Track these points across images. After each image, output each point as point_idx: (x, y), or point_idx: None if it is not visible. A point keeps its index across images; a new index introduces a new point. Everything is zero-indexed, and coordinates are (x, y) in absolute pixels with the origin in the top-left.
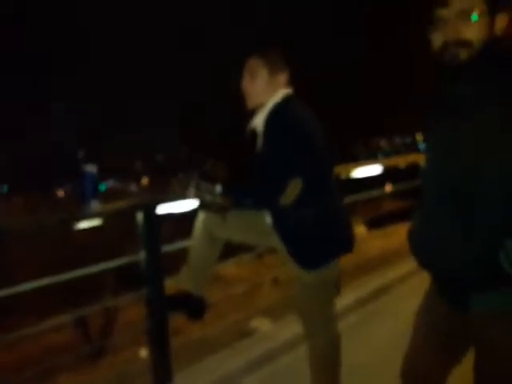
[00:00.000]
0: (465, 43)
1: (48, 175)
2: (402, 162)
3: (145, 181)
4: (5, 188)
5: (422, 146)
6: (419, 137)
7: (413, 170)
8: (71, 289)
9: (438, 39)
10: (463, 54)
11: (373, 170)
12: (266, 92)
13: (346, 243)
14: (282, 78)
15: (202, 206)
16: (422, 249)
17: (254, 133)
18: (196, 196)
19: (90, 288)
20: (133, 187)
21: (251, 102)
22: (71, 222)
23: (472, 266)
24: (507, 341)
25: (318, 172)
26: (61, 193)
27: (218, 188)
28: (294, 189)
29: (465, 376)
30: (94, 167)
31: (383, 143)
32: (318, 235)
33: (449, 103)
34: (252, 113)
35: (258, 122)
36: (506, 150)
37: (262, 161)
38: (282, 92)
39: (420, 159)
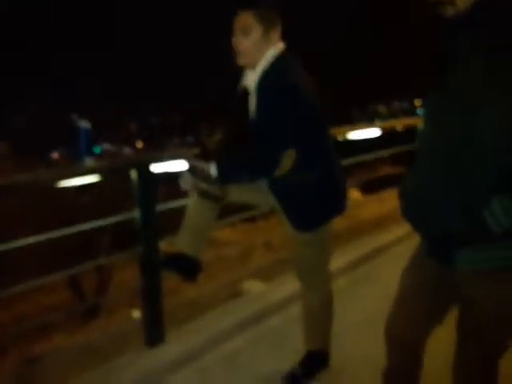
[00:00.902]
0: (447, 1)
1: (42, 138)
2: (399, 125)
3: (139, 144)
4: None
5: (420, 111)
6: (417, 102)
7: (410, 135)
8: (65, 250)
9: None
10: (449, 11)
11: (370, 132)
12: (260, 49)
13: (340, 205)
14: (276, 34)
15: (198, 193)
16: (413, 207)
17: (245, 91)
18: (191, 184)
19: (85, 249)
20: (127, 150)
21: (243, 60)
22: (67, 177)
23: (458, 222)
24: (491, 297)
25: (313, 138)
26: (55, 155)
27: (213, 169)
28: (288, 160)
29: (445, 339)
30: (88, 123)
31: (381, 108)
32: (313, 199)
33: (441, 61)
34: (242, 70)
35: (251, 81)
36: (491, 106)
37: (255, 126)
38: (274, 49)
39: (418, 122)
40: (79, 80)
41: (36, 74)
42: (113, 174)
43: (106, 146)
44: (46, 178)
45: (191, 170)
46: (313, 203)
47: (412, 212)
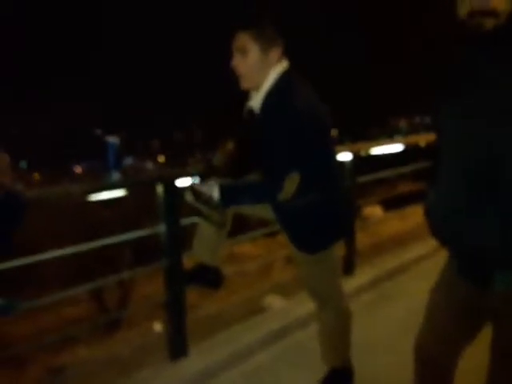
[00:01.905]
0: (491, 13)
1: (66, 153)
2: (421, 140)
3: (161, 159)
4: (23, 164)
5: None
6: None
7: (432, 151)
8: (89, 264)
9: (463, 8)
10: (489, 24)
11: (392, 148)
12: (260, 70)
13: (344, 230)
14: (276, 51)
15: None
16: (443, 225)
17: (252, 114)
18: (194, 207)
19: (107, 264)
20: (149, 165)
21: (246, 84)
22: (96, 191)
23: (496, 242)
24: None
25: (318, 161)
26: (78, 169)
27: (215, 193)
28: (291, 184)
29: (477, 358)
30: (117, 139)
31: (402, 123)
32: (316, 224)
33: (471, 74)
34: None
35: (255, 103)
36: None
37: (258, 148)
38: (277, 68)
39: None
40: (102, 95)
41: (58, 88)
42: (139, 189)
43: (129, 161)
44: (77, 191)
45: (194, 193)
46: (315, 227)
47: (443, 230)
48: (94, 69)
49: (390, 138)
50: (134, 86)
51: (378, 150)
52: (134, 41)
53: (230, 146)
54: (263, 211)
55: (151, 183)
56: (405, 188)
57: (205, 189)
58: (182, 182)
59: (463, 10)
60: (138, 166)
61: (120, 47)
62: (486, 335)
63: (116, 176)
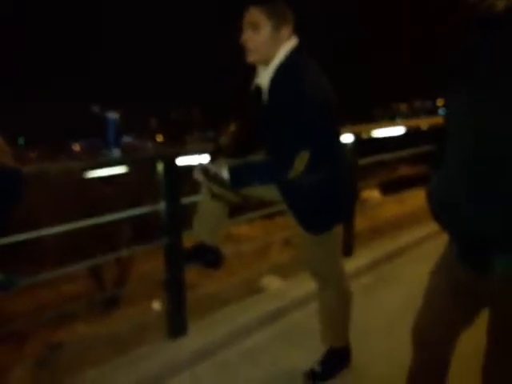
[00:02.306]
0: None
1: (64, 130)
2: (424, 123)
3: (159, 138)
4: (21, 140)
5: (442, 110)
6: (440, 102)
7: (433, 134)
8: (88, 241)
9: None
10: (501, 5)
11: (394, 130)
12: (270, 46)
13: (350, 209)
14: (287, 30)
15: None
16: (444, 210)
17: (258, 90)
18: (205, 186)
19: (107, 241)
20: (149, 144)
21: (253, 57)
22: (97, 167)
23: (497, 226)
24: None
25: (326, 139)
26: (77, 147)
27: (225, 173)
28: (301, 162)
29: (474, 341)
30: (117, 114)
31: (403, 107)
32: (323, 203)
33: (483, 57)
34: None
35: (263, 79)
36: None
37: (266, 126)
38: (287, 45)
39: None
40: (99, 73)
41: (56, 67)
42: (139, 166)
43: (129, 140)
44: (77, 167)
45: (204, 172)
46: (322, 206)
47: (444, 214)
48: (94, 46)
49: (391, 120)
50: (131, 64)
51: (379, 133)
52: (133, 19)
53: (233, 127)
54: (268, 192)
55: (151, 161)
56: (404, 171)
57: (214, 169)
58: (183, 160)
59: None
60: (138, 144)
61: (120, 25)
62: (483, 319)
63: (116, 152)
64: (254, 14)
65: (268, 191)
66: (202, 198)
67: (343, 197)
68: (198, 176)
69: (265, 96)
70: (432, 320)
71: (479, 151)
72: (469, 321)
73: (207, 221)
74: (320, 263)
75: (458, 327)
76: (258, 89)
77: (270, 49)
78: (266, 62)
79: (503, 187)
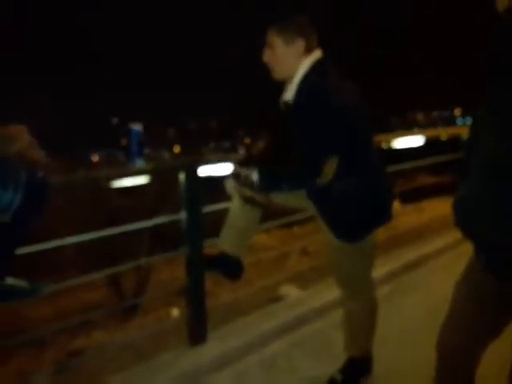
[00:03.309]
0: None
1: (82, 141)
2: (443, 133)
3: (176, 148)
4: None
5: (459, 120)
6: (458, 111)
7: (451, 144)
8: (109, 251)
9: (501, 4)
10: None
11: (414, 141)
12: (287, 61)
13: (384, 215)
14: (301, 43)
15: (243, 200)
16: (470, 219)
17: (288, 106)
18: (235, 191)
19: (127, 251)
20: (166, 155)
21: (275, 75)
22: (121, 177)
23: None
24: None
25: (354, 144)
26: (95, 158)
27: (255, 176)
28: (330, 168)
29: (501, 353)
30: (140, 125)
31: (420, 116)
32: (356, 209)
33: (508, 67)
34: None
35: (289, 95)
36: None
37: (295, 137)
38: (308, 60)
39: (463, 131)
40: (117, 86)
41: (71, 79)
42: (160, 177)
43: (146, 151)
44: (103, 176)
45: (235, 176)
46: (354, 213)
47: (471, 224)
48: (108, 56)
49: (408, 130)
50: (147, 76)
51: (399, 143)
52: (153, 26)
53: (262, 144)
54: (297, 200)
55: (174, 170)
56: (423, 181)
57: (245, 171)
58: (204, 170)
59: (500, 6)
60: (155, 155)
61: (133, 32)
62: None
63: (140, 163)
64: (269, 34)
65: (298, 199)
66: (232, 206)
67: (378, 201)
68: (229, 182)
69: (292, 108)
70: (458, 332)
71: (502, 152)
72: (496, 332)
73: (235, 231)
74: (350, 272)
75: (484, 339)
76: (287, 104)
77: (288, 64)
78: (290, 77)
79: None
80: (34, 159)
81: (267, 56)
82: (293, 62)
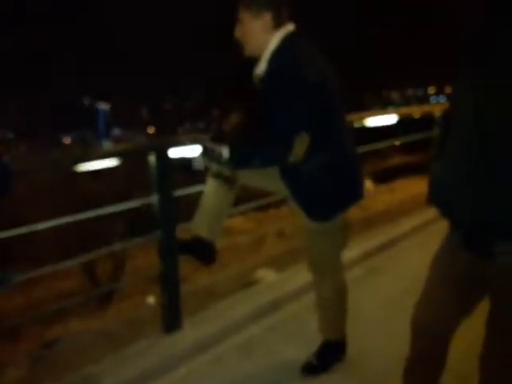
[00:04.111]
0: None
1: (54, 123)
2: (416, 111)
3: (151, 129)
4: (10, 134)
5: (433, 98)
6: (431, 90)
7: (423, 124)
8: (81, 236)
9: None
10: None
11: (387, 119)
12: (256, 35)
13: (356, 194)
14: (268, 17)
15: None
16: (445, 196)
17: (259, 80)
18: (201, 164)
19: (100, 237)
20: (141, 137)
21: (247, 50)
22: (88, 160)
23: (497, 211)
24: None
25: (327, 122)
26: (67, 140)
27: (225, 152)
28: (301, 145)
29: (473, 332)
30: (107, 105)
31: (395, 95)
32: (327, 188)
33: (492, 44)
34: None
35: (261, 69)
36: None
37: (266, 113)
38: (279, 33)
39: (436, 110)
40: (89, 65)
41: (45, 60)
42: (131, 158)
43: (118, 132)
44: (67, 160)
45: (204, 151)
46: (327, 192)
47: (443, 202)
48: (84, 35)
49: (383, 108)
50: (122, 53)
51: (372, 122)
52: (124, 7)
53: (235, 118)
54: (269, 181)
55: (143, 152)
56: (396, 161)
57: (215, 147)
58: (175, 152)
59: None
60: (129, 137)
61: (112, 13)
62: (482, 308)
63: (107, 145)
64: (239, 10)
65: (269, 179)
66: (206, 189)
67: (350, 180)
68: (197, 157)
69: (264, 82)
70: (433, 309)
71: (478, 130)
72: (470, 309)
73: (208, 214)
74: (320, 254)
75: (458, 315)
76: (261, 79)
77: (257, 39)
78: (261, 51)
79: (502, 170)
80: None
81: (238, 32)
82: (262, 37)
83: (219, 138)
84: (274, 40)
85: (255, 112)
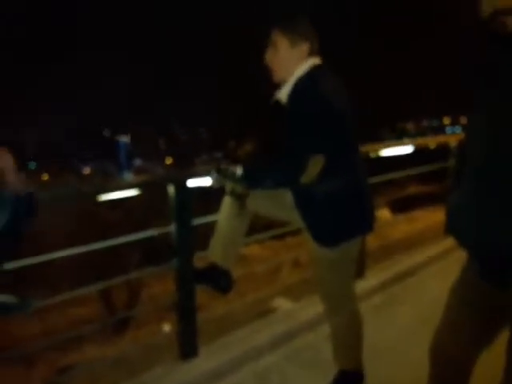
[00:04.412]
0: None
1: (74, 154)
2: (431, 142)
3: (168, 160)
4: (32, 165)
5: (449, 129)
6: (446, 120)
7: (441, 155)
8: (97, 267)
9: (487, 8)
10: (511, 23)
11: (403, 149)
12: (290, 64)
13: (367, 222)
14: (305, 47)
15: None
16: (462, 226)
17: (277, 104)
18: (216, 182)
19: (117, 266)
20: (159, 168)
21: (276, 76)
22: (110, 191)
23: (510, 241)
24: None
25: (341, 148)
26: (87, 170)
27: (239, 171)
28: (315, 167)
29: (494, 362)
30: (127, 138)
31: (410, 126)
32: (337, 213)
33: (496, 74)
34: (278, 86)
35: (283, 94)
36: None
37: (284, 136)
38: (307, 63)
39: (451, 140)
40: (104, 96)
41: (62, 90)
42: (150, 190)
43: (139, 163)
44: (90, 191)
45: (218, 170)
46: (336, 216)
47: (460, 231)
48: (97, 66)
49: (399, 139)
50: (137, 86)
51: (387, 152)
52: (136, 33)
53: (249, 147)
54: (282, 210)
55: (163, 183)
56: (413, 190)
57: (229, 166)
58: (193, 183)
59: (487, 8)
60: (149, 167)
61: (122, 41)
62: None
63: (128, 176)
64: (273, 33)
65: (282, 208)
66: (220, 216)
67: (361, 208)
68: (212, 175)
69: (284, 108)
70: (452, 337)
71: (492, 160)
72: (490, 338)
73: (223, 242)
74: (332, 284)
75: (478, 345)
76: (278, 103)
77: (290, 66)
78: (286, 80)
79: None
80: (11, 182)
81: (270, 55)
82: (295, 64)
83: (234, 160)
84: (302, 68)
85: (271, 137)
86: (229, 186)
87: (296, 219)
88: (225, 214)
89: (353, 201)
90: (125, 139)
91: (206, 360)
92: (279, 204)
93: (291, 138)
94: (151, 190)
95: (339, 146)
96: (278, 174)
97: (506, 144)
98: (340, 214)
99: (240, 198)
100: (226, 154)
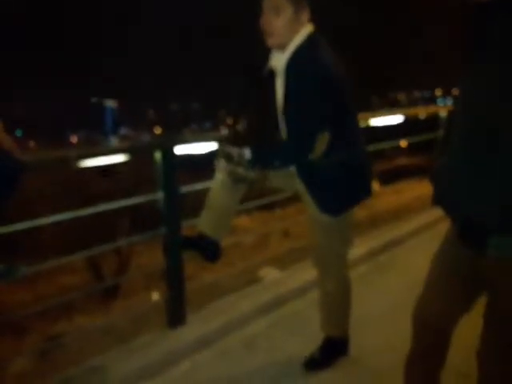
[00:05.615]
0: None
1: (61, 122)
2: (422, 112)
3: (157, 130)
4: (19, 132)
5: (440, 100)
6: (438, 92)
7: (431, 124)
8: (86, 233)
9: None
10: None
11: (393, 119)
12: (290, 30)
13: (367, 190)
14: (306, 15)
15: (234, 180)
16: (445, 191)
17: (272, 73)
18: (228, 171)
19: (106, 234)
20: (146, 136)
21: (273, 41)
22: (93, 156)
23: (493, 205)
24: None
25: (344, 121)
26: (74, 139)
27: (247, 153)
28: (322, 143)
29: (473, 326)
30: (114, 102)
31: (401, 97)
32: (342, 183)
33: (478, 40)
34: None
35: (279, 61)
36: None
37: (286, 109)
38: (305, 31)
39: (441, 110)
40: (98, 65)
41: (53, 58)
42: (136, 156)
43: (125, 131)
44: (74, 155)
45: (226, 156)
46: (341, 186)
47: (444, 196)
48: (91, 39)
49: (389, 109)
50: (129, 57)
51: (378, 121)
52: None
53: (247, 120)
54: (281, 179)
55: (149, 149)
56: (401, 162)
57: (235, 150)
58: (180, 149)
59: None
60: (135, 136)
61: (120, 14)
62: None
63: (113, 141)
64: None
65: (282, 179)
66: (213, 187)
67: (364, 176)
68: (221, 162)
69: (279, 79)
70: (434, 302)
71: (477, 124)
72: (470, 304)
73: (214, 213)
74: (329, 248)
75: (459, 309)
76: (271, 72)
77: (290, 33)
78: (284, 46)
79: (497, 164)
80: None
81: (269, 20)
82: (295, 31)
83: (236, 141)
84: (298, 37)
85: (268, 108)
86: (241, 172)
87: (292, 186)
88: (217, 184)
89: (356, 171)
90: (112, 104)
91: (194, 327)
92: (280, 173)
93: (298, 115)
94: (140, 158)
95: (341, 120)
96: (290, 156)
97: (491, 100)
98: (345, 185)
99: (252, 184)
100: (217, 125)
